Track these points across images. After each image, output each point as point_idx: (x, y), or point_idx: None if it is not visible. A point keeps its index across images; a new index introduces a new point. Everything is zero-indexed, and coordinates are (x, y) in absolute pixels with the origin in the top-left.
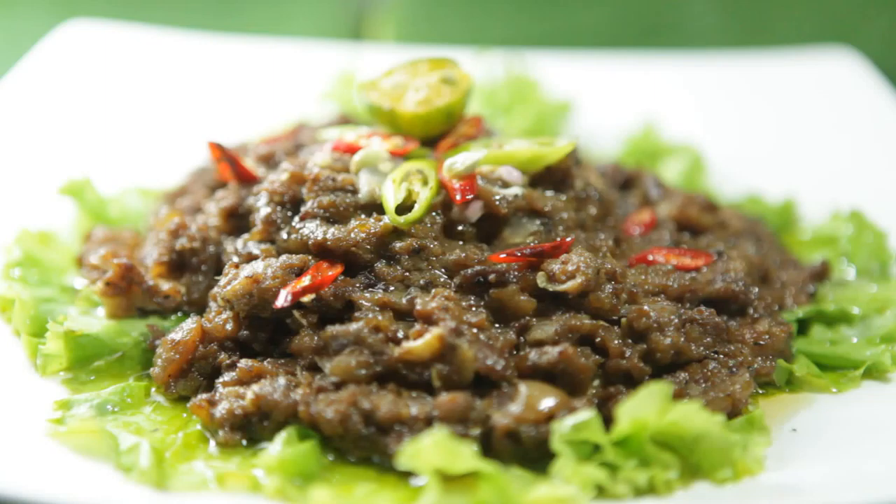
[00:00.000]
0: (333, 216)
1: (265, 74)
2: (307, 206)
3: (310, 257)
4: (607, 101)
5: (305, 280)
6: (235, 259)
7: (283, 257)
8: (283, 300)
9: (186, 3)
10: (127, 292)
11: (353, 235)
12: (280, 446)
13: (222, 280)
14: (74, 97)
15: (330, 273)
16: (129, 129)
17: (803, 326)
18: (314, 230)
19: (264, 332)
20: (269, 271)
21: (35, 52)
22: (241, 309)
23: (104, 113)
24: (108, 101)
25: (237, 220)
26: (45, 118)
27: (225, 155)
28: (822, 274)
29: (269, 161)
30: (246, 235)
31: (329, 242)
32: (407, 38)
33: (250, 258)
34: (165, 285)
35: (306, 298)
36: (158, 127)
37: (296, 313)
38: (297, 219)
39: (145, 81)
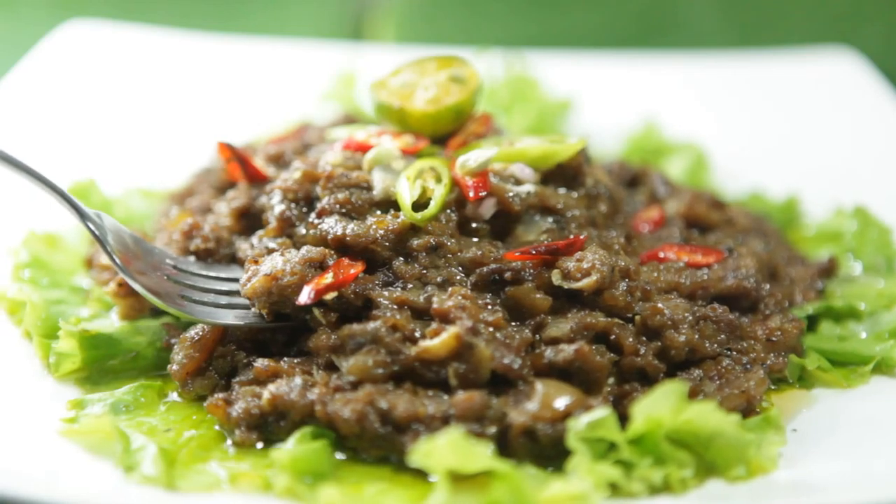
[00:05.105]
0: (350, 213)
1: (266, 75)
2: (323, 203)
3: (328, 251)
4: (607, 101)
5: (328, 277)
6: (251, 254)
7: (304, 250)
8: (306, 297)
9: (186, 4)
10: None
11: (371, 232)
12: (292, 445)
13: (242, 277)
14: (75, 98)
15: (352, 271)
16: (129, 129)
17: (812, 322)
18: (333, 225)
19: (283, 333)
20: (288, 267)
21: (35, 53)
22: (262, 306)
23: (104, 114)
24: (109, 101)
25: (249, 220)
26: (44, 119)
27: (235, 155)
28: (829, 270)
29: (279, 161)
30: (260, 232)
31: (349, 238)
32: (407, 38)
33: (269, 252)
34: None
35: (329, 296)
36: (158, 127)
37: (316, 312)
38: (313, 215)
39: (146, 82)
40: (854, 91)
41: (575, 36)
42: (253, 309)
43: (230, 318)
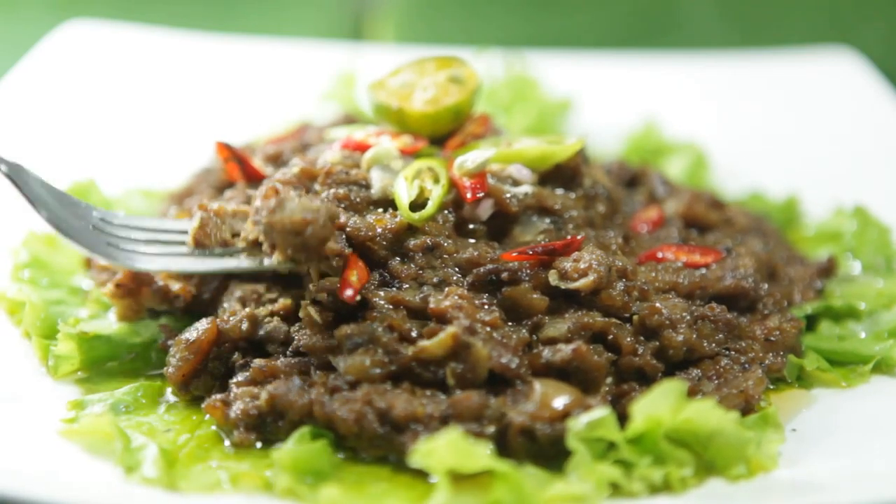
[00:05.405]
0: (348, 209)
1: (265, 75)
2: (322, 196)
3: (341, 209)
4: (607, 101)
5: (353, 276)
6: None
7: (320, 202)
8: (353, 295)
9: (186, 4)
10: (137, 293)
11: (371, 227)
12: (291, 445)
13: (259, 201)
14: (75, 98)
15: (366, 270)
16: (129, 129)
17: (811, 322)
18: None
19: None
20: (320, 217)
21: (35, 53)
22: (278, 243)
23: (104, 114)
24: (109, 101)
25: None
26: (44, 119)
27: (233, 155)
28: (829, 270)
29: (277, 161)
30: None
31: (349, 230)
32: (406, 38)
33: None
34: (175, 286)
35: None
36: (158, 128)
37: (312, 310)
38: None
39: (145, 82)
40: (854, 91)
41: (575, 36)
42: (186, 256)
43: (159, 262)
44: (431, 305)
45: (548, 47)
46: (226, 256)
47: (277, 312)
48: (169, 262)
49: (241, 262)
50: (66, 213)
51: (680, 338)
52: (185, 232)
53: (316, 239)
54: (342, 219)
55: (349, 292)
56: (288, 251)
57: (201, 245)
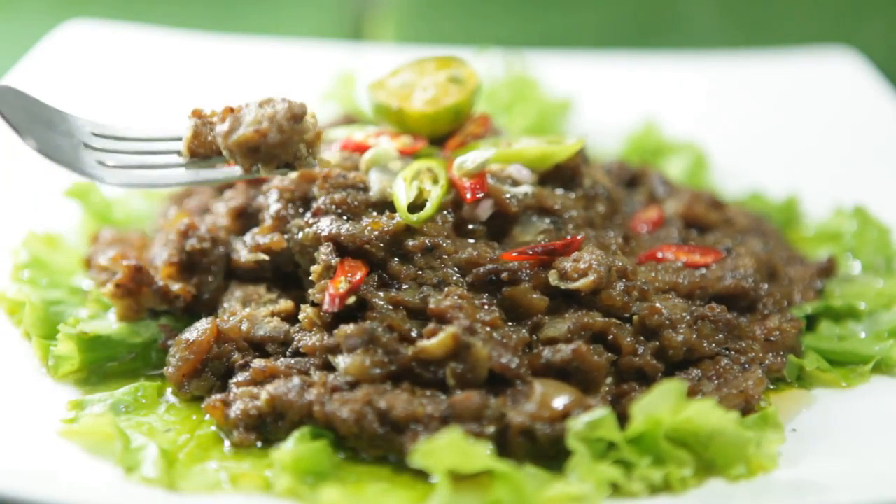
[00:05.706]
0: (346, 213)
1: (265, 74)
2: (319, 203)
3: (306, 106)
4: (607, 101)
5: (342, 282)
6: (248, 241)
7: (283, 104)
8: (331, 306)
9: (186, 3)
10: (136, 294)
11: (366, 233)
12: (292, 445)
13: (220, 126)
14: (75, 98)
15: (359, 275)
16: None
17: (811, 322)
18: (328, 225)
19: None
20: (273, 125)
21: (35, 52)
22: (242, 162)
23: (103, 114)
24: (109, 101)
25: (246, 220)
26: None
27: None
28: (829, 270)
29: None
30: (255, 229)
31: (343, 238)
32: (406, 38)
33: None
34: (175, 286)
35: (350, 300)
36: (159, 127)
37: (311, 311)
38: (308, 214)
39: (145, 82)
40: (854, 91)
41: (575, 36)
42: (181, 168)
43: (152, 178)
44: (431, 306)
45: (548, 47)
46: (220, 165)
47: (277, 313)
48: (163, 175)
49: (236, 171)
50: (55, 136)
51: (680, 338)
52: (179, 140)
53: (276, 147)
54: (333, 230)
55: (326, 304)
56: (258, 165)
57: (196, 155)
